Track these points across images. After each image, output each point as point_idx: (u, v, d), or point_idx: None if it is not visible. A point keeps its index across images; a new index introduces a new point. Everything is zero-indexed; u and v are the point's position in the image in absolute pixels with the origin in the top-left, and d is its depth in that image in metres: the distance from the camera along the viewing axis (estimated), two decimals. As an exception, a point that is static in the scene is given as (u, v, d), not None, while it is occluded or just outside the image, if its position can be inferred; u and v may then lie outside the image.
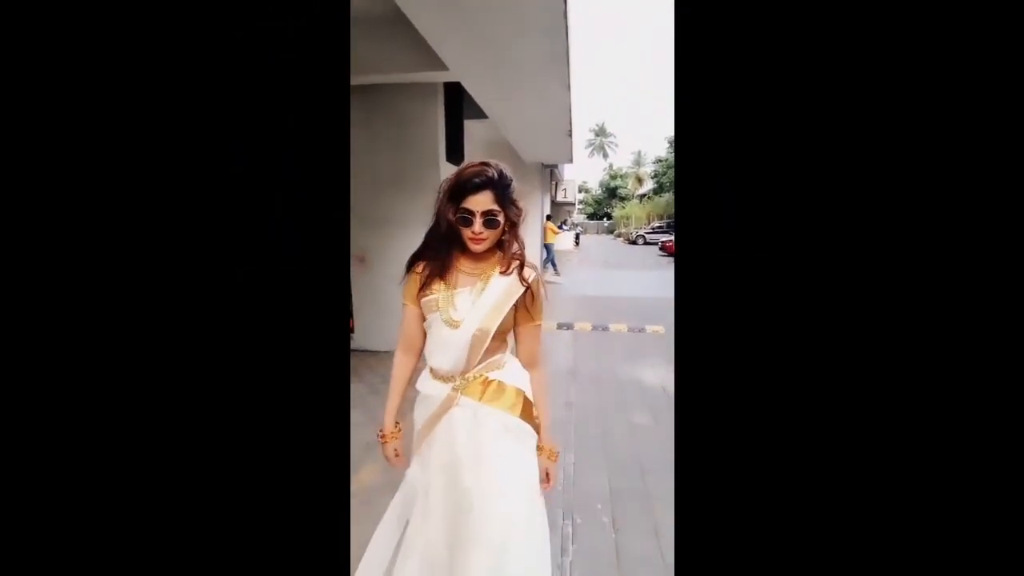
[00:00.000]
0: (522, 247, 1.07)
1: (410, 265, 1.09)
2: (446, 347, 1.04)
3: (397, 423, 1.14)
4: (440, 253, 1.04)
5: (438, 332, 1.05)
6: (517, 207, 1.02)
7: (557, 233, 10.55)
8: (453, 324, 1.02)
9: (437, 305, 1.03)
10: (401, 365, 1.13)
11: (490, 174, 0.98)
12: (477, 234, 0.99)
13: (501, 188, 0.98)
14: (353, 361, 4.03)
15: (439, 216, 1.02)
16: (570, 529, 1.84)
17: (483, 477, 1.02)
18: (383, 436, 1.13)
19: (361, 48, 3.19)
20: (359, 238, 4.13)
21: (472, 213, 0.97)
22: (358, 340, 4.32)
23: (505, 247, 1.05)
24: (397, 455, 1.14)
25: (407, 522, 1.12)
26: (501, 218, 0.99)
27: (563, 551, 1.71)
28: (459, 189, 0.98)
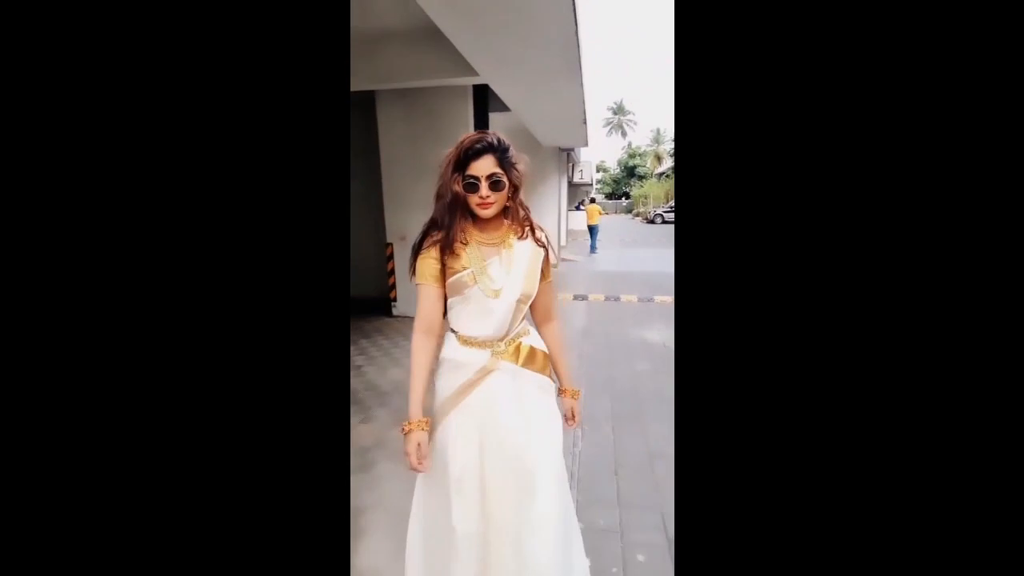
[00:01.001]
0: (527, 211, 1.11)
1: (420, 243, 1.09)
2: (489, 316, 1.06)
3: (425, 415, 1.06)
4: (449, 226, 1.05)
5: (480, 304, 1.06)
6: (518, 170, 1.05)
7: (602, 214, 11.24)
8: (495, 294, 1.05)
9: (473, 279, 1.05)
10: (424, 350, 1.07)
11: (489, 139, 1.02)
12: (484, 198, 1.02)
13: (501, 152, 1.02)
14: (397, 324, 4.74)
15: (444, 188, 1.05)
16: (580, 432, 2.47)
17: (532, 434, 1.08)
18: (409, 426, 1.02)
19: (403, 57, 3.77)
20: (402, 220, 4.77)
21: (477, 178, 1.01)
22: (400, 308, 5.00)
23: (512, 213, 1.09)
24: (420, 448, 1.02)
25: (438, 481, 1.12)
26: (505, 180, 1.02)
27: (574, 444, 2.35)
28: (462, 158, 1.02)
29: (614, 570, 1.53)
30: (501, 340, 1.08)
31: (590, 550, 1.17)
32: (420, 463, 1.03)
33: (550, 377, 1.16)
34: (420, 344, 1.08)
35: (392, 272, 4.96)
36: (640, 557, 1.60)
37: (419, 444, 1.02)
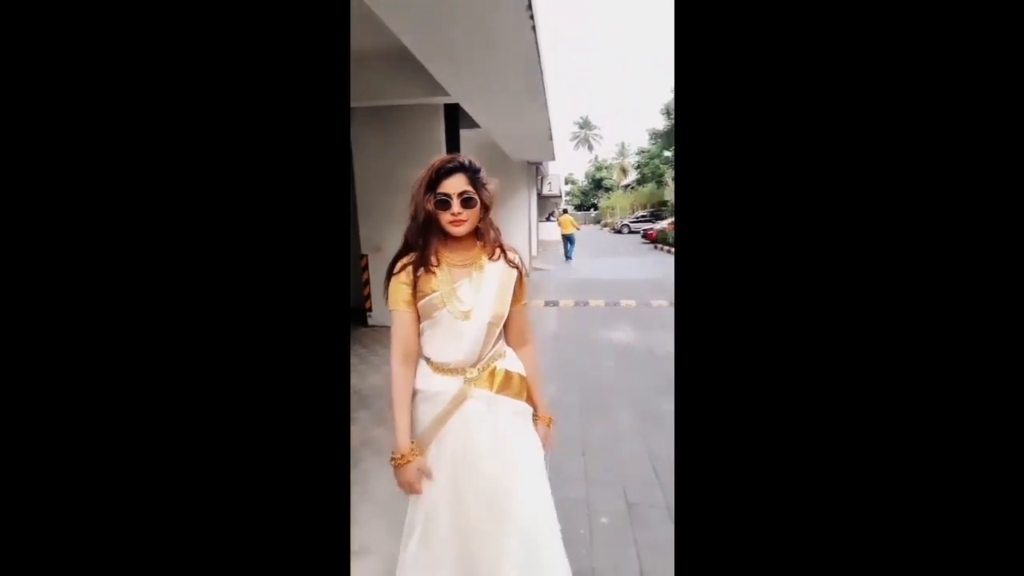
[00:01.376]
0: (498, 232, 1.11)
1: (392, 267, 1.09)
2: (459, 339, 1.06)
3: (412, 441, 1.07)
4: (422, 247, 1.06)
5: (450, 326, 1.05)
6: (488, 191, 1.06)
7: (577, 226, 11.75)
8: (464, 315, 1.05)
9: (442, 302, 1.04)
10: (403, 378, 1.07)
11: (461, 160, 1.05)
12: (456, 215, 1.02)
13: (472, 172, 1.04)
14: (374, 334, 4.85)
15: (416, 208, 1.05)
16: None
17: (508, 464, 1.06)
18: (401, 458, 1.04)
19: (381, 78, 3.99)
20: (376, 232, 4.92)
21: (449, 196, 1.02)
22: (375, 318, 5.12)
23: (483, 234, 1.09)
24: (421, 472, 1.05)
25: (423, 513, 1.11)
26: (476, 198, 1.03)
27: (546, 432, 2.56)
28: (434, 177, 1.03)
29: (581, 531, 1.74)
30: (474, 366, 1.07)
31: (559, 518, 1.18)
32: (420, 484, 1.05)
33: (527, 401, 1.15)
34: (399, 373, 1.08)
35: (367, 283, 5.08)
36: (603, 520, 1.82)
37: (419, 469, 1.05)
